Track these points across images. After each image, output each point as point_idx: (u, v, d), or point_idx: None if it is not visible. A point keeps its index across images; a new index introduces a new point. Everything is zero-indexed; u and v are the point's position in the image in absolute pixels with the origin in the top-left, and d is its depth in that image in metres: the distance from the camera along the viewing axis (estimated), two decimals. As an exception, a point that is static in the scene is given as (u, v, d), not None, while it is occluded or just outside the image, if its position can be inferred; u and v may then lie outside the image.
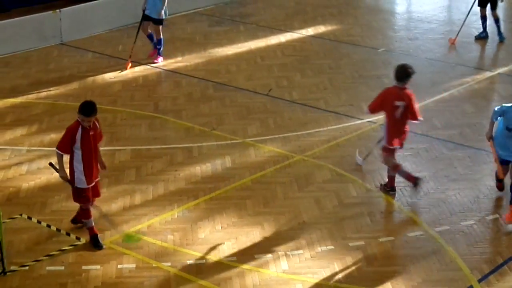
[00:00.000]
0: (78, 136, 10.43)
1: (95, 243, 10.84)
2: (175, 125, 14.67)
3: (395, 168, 12.24)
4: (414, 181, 12.07)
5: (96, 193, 10.92)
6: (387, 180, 12.47)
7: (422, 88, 16.80)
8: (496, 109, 11.73)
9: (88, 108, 10.41)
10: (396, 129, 12.06)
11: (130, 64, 17.68)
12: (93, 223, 10.88)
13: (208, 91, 16.58)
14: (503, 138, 11.64)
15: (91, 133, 10.50)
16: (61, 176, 10.66)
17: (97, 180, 10.81)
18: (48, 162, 10.98)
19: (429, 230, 11.46)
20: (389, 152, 12.24)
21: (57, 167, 10.61)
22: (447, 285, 9.87)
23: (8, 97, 16.20)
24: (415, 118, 12.05)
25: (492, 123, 11.86)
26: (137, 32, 17.90)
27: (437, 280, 10.16)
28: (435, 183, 12.80)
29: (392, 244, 11.13)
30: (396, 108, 11.89)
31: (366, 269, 10.52)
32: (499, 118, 11.70)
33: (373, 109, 12.21)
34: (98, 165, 10.80)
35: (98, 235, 10.89)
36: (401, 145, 12.24)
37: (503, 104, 11.67)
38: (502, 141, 11.69)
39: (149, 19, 17.75)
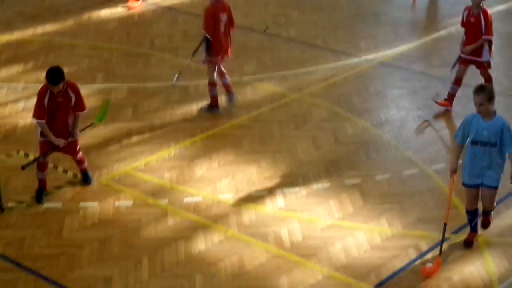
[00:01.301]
0: (46, 100, 10.23)
1: (37, 197, 10.59)
2: (172, 62, 14.60)
3: (212, 84, 12.84)
4: (215, 105, 12.91)
5: (69, 151, 10.64)
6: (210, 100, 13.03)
7: (420, 25, 16.73)
8: (457, 130, 9.53)
9: (52, 76, 10.10)
10: (221, 42, 12.67)
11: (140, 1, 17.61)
12: (44, 177, 10.63)
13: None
14: (470, 159, 9.38)
15: (59, 99, 10.25)
16: (57, 144, 10.40)
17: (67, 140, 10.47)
18: (20, 166, 10.53)
19: (425, 168, 11.50)
20: (214, 65, 12.78)
21: (30, 164, 10.46)
22: (442, 222, 9.91)
23: (4, 33, 16.09)
24: (233, 26, 12.91)
25: (458, 149, 9.47)
26: None
27: (432, 218, 10.22)
28: (432, 122, 12.80)
29: (388, 181, 11.18)
30: (221, 21, 12.62)
31: (362, 206, 10.58)
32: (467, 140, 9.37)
33: (211, 32, 12.58)
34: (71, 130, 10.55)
35: (44, 192, 10.65)
36: (230, 54, 12.91)
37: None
38: (469, 163, 9.42)
39: None
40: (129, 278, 9.18)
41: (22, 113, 12.89)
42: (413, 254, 9.60)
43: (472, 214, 9.69)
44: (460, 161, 9.50)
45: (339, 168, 11.47)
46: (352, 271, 9.33)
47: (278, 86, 13.95)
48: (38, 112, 10.29)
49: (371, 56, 15.14)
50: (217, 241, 9.86)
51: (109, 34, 16.14)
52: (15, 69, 14.52)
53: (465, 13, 12.71)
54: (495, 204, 9.72)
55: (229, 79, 13.06)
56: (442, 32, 16.24)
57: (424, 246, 9.72)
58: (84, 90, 13.59)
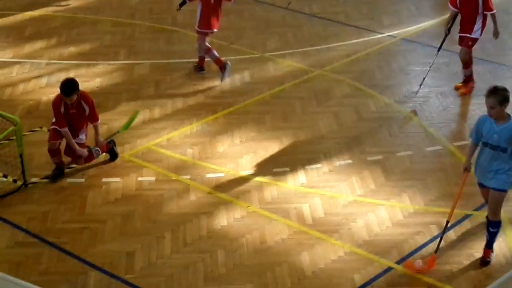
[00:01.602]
0: (61, 110, 10.35)
1: (54, 176, 10.60)
2: (194, 39, 14.56)
3: (207, 51, 13.16)
4: (222, 65, 13.07)
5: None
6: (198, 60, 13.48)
7: (442, 1, 16.58)
8: (473, 128, 9.10)
9: (66, 88, 10.21)
10: (210, 14, 12.94)
11: None
12: (59, 160, 10.62)
13: (226, 4, 16.38)
14: (480, 159, 8.96)
15: (71, 111, 10.36)
16: (80, 154, 10.55)
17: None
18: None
19: (448, 145, 11.46)
20: (202, 35, 13.12)
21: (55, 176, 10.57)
22: (464, 199, 9.88)
23: (27, 10, 16.13)
24: None
25: (471, 148, 9.10)
26: None
27: (454, 194, 10.17)
28: (455, 98, 12.76)
29: (410, 158, 11.15)
30: None
31: (384, 183, 10.57)
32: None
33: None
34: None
35: (61, 171, 10.67)
36: (217, 27, 13.14)
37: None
38: (479, 164, 9.00)
39: None
40: (152, 253, 9.24)
41: (45, 89, 12.95)
42: (435, 231, 9.59)
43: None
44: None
45: (361, 145, 11.45)
46: (374, 248, 9.34)
47: (300, 63, 13.92)
48: (58, 121, 10.40)
49: (394, 32, 15.06)
50: (239, 217, 9.89)
51: (132, 10, 16.15)
52: (38, 45, 14.57)
53: None
54: (500, 215, 9.01)
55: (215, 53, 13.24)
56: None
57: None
58: (106, 66, 13.73)
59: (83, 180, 10.63)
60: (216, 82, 13.18)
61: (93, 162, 10.88)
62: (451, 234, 9.54)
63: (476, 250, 9.26)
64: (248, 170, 10.84)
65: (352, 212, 9.98)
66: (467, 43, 12.51)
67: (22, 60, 13.96)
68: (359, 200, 10.23)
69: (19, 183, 10.42)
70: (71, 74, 13.37)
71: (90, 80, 13.25)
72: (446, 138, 11.62)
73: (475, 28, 12.42)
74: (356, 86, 13.09)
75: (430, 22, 15.53)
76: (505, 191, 8.90)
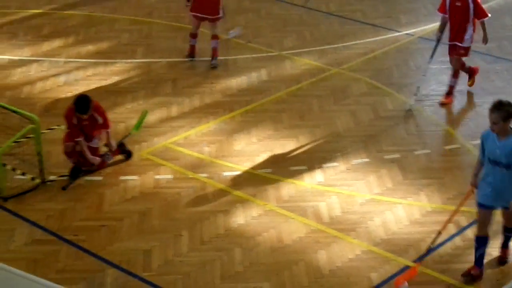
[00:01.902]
0: (74, 121, 10.43)
1: (72, 174, 10.60)
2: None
3: (191, 35, 13.85)
4: (191, 53, 13.86)
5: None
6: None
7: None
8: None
9: (80, 107, 10.30)
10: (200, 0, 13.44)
11: None
12: (75, 160, 10.61)
13: (244, 2, 16.45)
14: (484, 176, 8.63)
15: (84, 123, 10.46)
16: (93, 162, 10.63)
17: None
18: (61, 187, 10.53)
19: (466, 143, 11.42)
20: (191, 17, 13.68)
21: (70, 184, 10.56)
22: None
23: (45, 8, 16.20)
24: None
25: (477, 163, 8.80)
26: None
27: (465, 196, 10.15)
28: (472, 96, 12.71)
29: (427, 157, 11.12)
30: None
31: (401, 181, 10.55)
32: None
33: None
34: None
35: (79, 169, 10.67)
36: (214, 14, 13.51)
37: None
38: (483, 180, 8.65)
39: None
40: (169, 251, 9.26)
41: (63, 87, 13.00)
42: (452, 230, 9.56)
43: (479, 243, 8.77)
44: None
45: (378, 143, 11.43)
46: (391, 246, 9.32)
47: (317, 61, 13.91)
48: (74, 132, 10.47)
49: (411, 31, 15.03)
50: (256, 215, 9.90)
51: (149, 9, 16.19)
52: (56, 43, 14.63)
53: None
54: None
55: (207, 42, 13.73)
56: (483, 6, 16.03)
57: (463, 222, 9.68)
58: (124, 64, 13.77)
59: (100, 178, 10.67)
60: (233, 81, 13.19)
61: (110, 160, 10.92)
62: (468, 233, 9.51)
63: (494, 249, 9.23)
64: (265, 169, 10.84)
65: (369, 211, 9.96)
66: (459, 52, 12.34)
67: (40, 58, 14.02)
68: (376, 199, 10.22)
69: (37, 181, 10.48)
70: (89, 72, 13.44)
71: (107, 78, 13.30)
72: (464, 137, 11.58)
73: (465, 37, 12.22)
74: (373, 84, 13.07)
75: (448, 20, 15.46)
76: None
